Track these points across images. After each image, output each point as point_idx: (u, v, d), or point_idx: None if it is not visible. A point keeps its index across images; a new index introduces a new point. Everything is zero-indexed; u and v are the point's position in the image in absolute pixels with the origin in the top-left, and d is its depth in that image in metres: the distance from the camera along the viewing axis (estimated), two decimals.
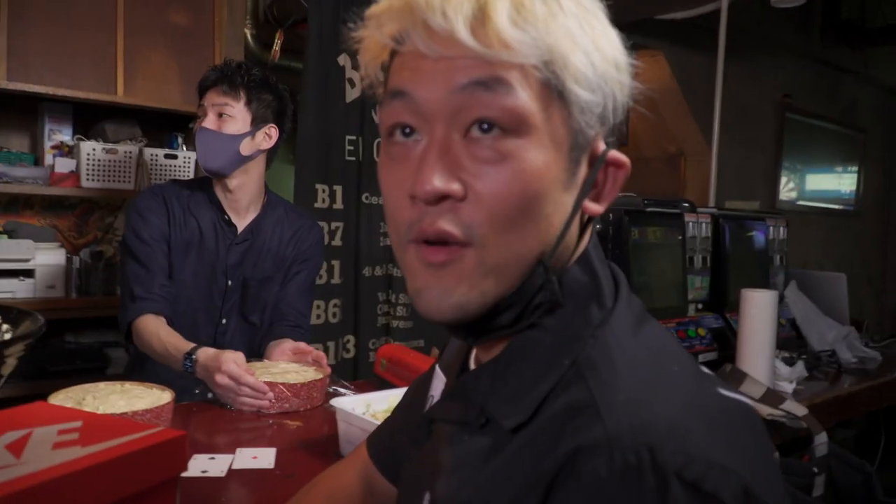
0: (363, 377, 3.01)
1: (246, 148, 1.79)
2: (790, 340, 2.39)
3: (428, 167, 0.56)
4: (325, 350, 3.01)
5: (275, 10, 3.55)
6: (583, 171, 0.61)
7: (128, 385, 1.41)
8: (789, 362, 2.05)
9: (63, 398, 1.32)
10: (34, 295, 2.47)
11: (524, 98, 0.56)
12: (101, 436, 0.87)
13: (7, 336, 1.20)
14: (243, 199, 1.86)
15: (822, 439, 1.59)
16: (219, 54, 2.69)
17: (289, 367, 1.67)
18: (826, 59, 5.17)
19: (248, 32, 3.36)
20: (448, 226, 0.57)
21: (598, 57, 0.58)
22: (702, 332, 2.16)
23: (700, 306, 2.28)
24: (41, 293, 2.50)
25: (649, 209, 2.08)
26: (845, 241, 5.76)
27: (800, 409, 1.65)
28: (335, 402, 1.27)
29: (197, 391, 1.72)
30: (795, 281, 2.59)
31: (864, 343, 2.52)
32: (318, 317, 2.98)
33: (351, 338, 3.09)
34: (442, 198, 0.57)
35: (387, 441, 0.93)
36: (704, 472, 0.49)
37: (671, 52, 4.17)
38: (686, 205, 2.27)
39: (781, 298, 2.55)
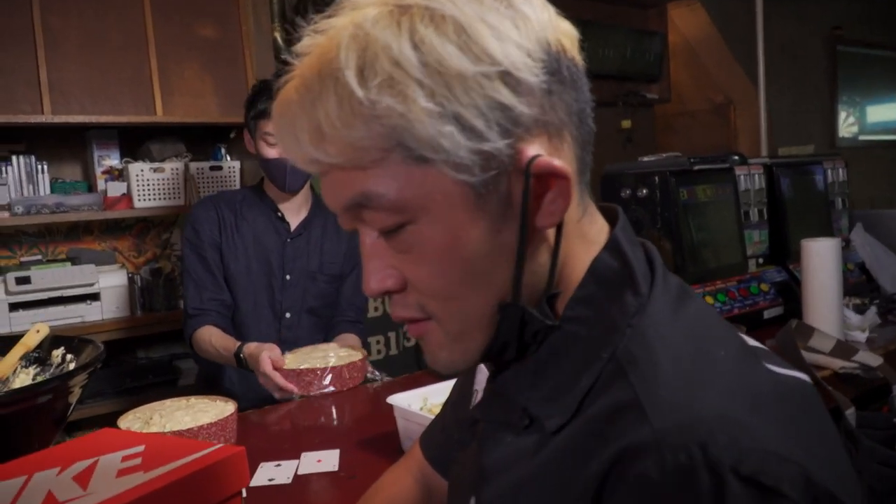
0: (424, 365, 3.04)
1: None
2: (861, 285, 2.29)
3: (365, 272, 0.60)
4: (386, 341, 3.04)
5: (301, 8, 3.56)
6: (516, 192, 0.56)
7: (193, 400, 1.45)
8: (860, 309, 1.97)
9: (132, 419, 1.36)
10: (101, 317, 2.56)
11: (397, 192, 0.54)
12: (163, 459, 0.89)
13: (71, 366, 1.25)
14: (298, 199, 1.96)
15: None
16: (250, 62, 2.72)
17: (329, 351, 1.76)
18: None
19: (278, 36, 3.38)
20: (404, 312, 0.61)
21: (457, 94, 0.52)
22: (765, 287, 2.09)
23: (761, 261, 2.21)
24: (108, 314, 2.59)
25: (696, 167, 2.02)
26: None
27: (874, 360, 1.59)
28: (392, 399, 1.28)
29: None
30: (861, 223, 2.48)
31: None
32: (376, 309, 3.01)
33: None
34: (387, 292, 0.60)
35: (439, 439, 0.92)
36: (761, 464, 0.47)
37: None
38: (736, 157, 2.19)
39: (847, 242, 2.45)
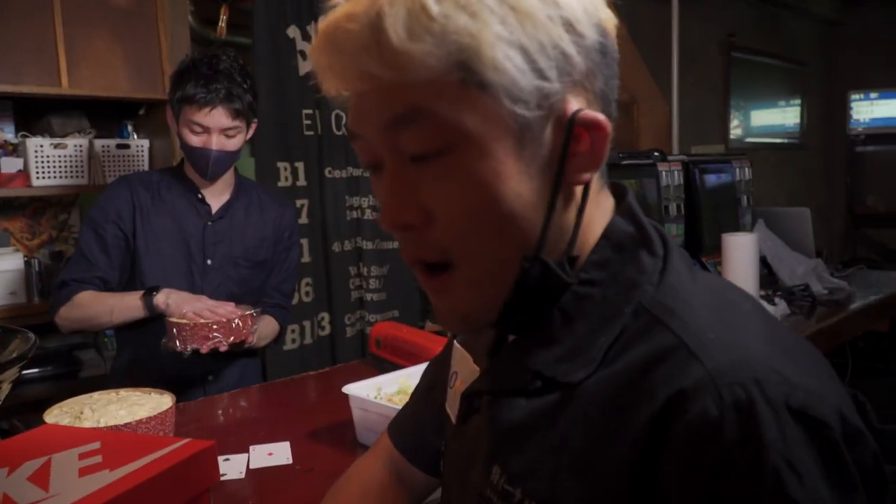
0: (341, 353, 2.99)
1: (241, 149, 1.84)
2: (763, 278, 2.44)
3: (386, 204, 0.58)
4: (301, 329, 2.97)
5: None
6: (552, 144, 0.57)
7: (123, 392, 1.36)
8: (769, 300, 2.09)
9: (59, 414, 1.27)
10: None
11: (447, 115, 0.54)
12: (126, 456, 0.84)
13: None
14: (220, 182, 1.88)
15: None
16: (164, 36, 2.57)
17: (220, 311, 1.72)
18: None
19: (189, 13, 3.22)
20: (420, 251, 0.59)
21: (527, 30, 0.53)
22: None
23: None
24: (2, 300, 2.39)
25: (624, 162, 2.08)
26: (794, 173, 5.91)
27: None
28: (347, 388, 1.25)
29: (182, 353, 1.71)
30: (762, 219, 2.64)
31: (830, 273, 2.60)
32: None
33: (325, 315, 3.06)
34: (408, 227, 0.58)
35: (411, 429, 0.91)
36: (807, 399, 0.49)
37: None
38: (657, 154, 2.27)
39: None
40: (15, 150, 2.51)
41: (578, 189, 0.59)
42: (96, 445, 0.88)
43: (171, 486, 0.81)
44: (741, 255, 1.86)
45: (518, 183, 0.56)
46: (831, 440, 0.49)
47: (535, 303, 0.60)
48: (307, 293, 2.94)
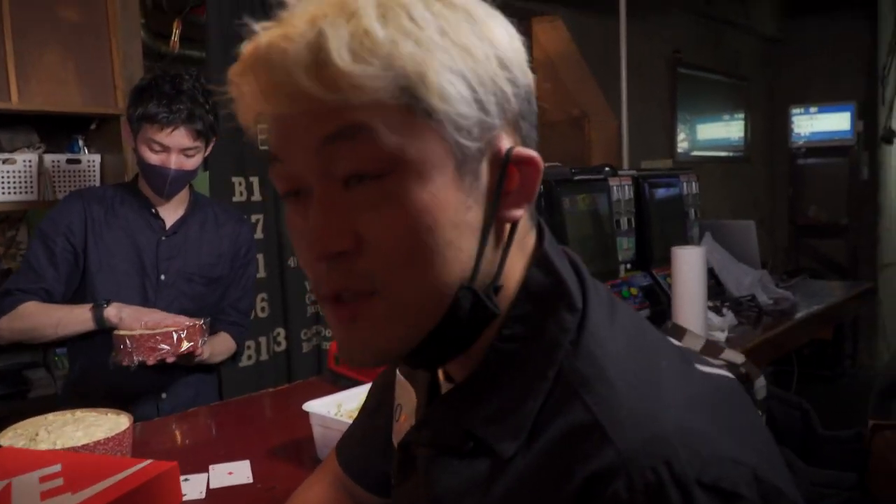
0: (297, 369, 2.98)
1: (199, 169, 1.83)
2: (711, 289, 2.50)
3: (315, 230, 0.55)
4: (257, 345, 2.95)
5: None
6: (486, 179, 0.57)
7: (79, 413, 1.35)
8: (717, 311, 2.16)
9: (13, 436, 1.25)
10: None
11: (388, 136, 0.53)
12: (88, 478, 0.84)
13: None
14: (175, 198, 1.87)
15: (760, 383, 1.69)
16: (116, 50, 2.54)
17: (166, 325, 1.70)
18: (710, 13, 5.38)
19: (141, 26, 3.19)
20: (347, 281, 0.56)
21: (468, 63, 0.54)
22: (634, 291, 2.25)
23: (629, 266, 2.37)
24: None
25: (577, 177, 2.13)
26: (739, 186, 6.08)
27: (738, 357, 1.75)
28: (308, 406, 1.26)
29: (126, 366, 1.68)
30: (710, 232, 2.73)
31: (776, 284, 2.70)
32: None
33: (281, 330, 3.04)
34: (338, 254, 0.55)
35: (357, 450, 0.91)
36: (720, 471, 0.50)
37: (568, 15, 4.24)
38: (608, 169, 2.33)
39: None
40: None
41: (507, 226, 0.59)
42: (57, 468, 0.87)
43: None
44: (689, 268, 1.92)
45: (455, 213, 0.55)
46: None
47: (458, 335, 0.59)
48: (263, 308, 2.92)
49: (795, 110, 5.95)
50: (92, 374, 1.77)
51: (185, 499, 1.12)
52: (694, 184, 2.74)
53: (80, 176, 2.58)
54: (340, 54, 0.50)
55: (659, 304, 2.25)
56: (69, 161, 2.57)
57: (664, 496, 0.48)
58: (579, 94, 4.52)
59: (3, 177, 2.42)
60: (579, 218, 2.13)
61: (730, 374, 0.64)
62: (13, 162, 2.43)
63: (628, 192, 2.36)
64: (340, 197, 0.55)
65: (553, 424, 0.55)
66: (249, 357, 2.97)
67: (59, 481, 0.84)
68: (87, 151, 2.69)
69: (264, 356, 3.01)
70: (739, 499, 0.49)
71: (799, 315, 2.42)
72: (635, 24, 4.28)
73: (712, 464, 0.50)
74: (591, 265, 2.10)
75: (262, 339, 2.97)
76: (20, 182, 2.46)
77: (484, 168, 0.57)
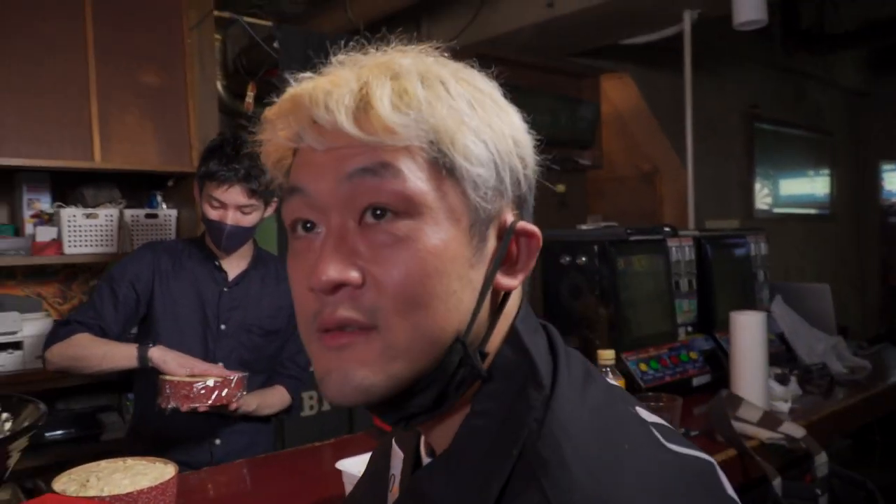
0: (359, 419, 3.01)
1: (257, 226, 1.91)
2: (780, 355, 2.41)
3: (324, 259, 0.57)
4: (319, 397, 3.00)
5: (244, 61, 3.58)
6: (491, 245, 0.61)
7: (130, 461, 1.40)
8: (781, 379, 2.07)
9: (66, 481, 1.30)
10: (24, 367, 2.45)
11: (413, 180, 0.57)
12: None
13: (7, 425, 1.20)
14: (238, 253, 1.96)
15: (822, 459, 1.61)
16: (193, 111, 2.70)
17: (207, 375, 1.75)
18: (789, 66, 5.28)
19: (218, 84, 3.38)
20: (348, 313, 0.57)
21: (489, 134, 0.59)
22: (693, 355, 2.18)
23: (690, 329, 2.31)
24: (30, 364, 2.47)
25: (633, 238, 2.11)
26: (823, 244, 5.85)
27: (798, 431, 1.67)
28: (341, 464, 1.27)
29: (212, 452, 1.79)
30: (780, 295, 2.63)
31: (853, 351, 2.56)
32: (310, 364, 2.97)
33: None
34: (339, 286, 0.57)
35: None
36: None
37: (637, 72, 4.24)
38: (667, 229, 2.30)
39: (768, 313, 2.59)
40: (50, 219, 2.63)
41: (500, 294, 0.63)
42: None
43: None
44: (749, 333, 1.86)
45: (462, 266, 0.59)
46: None
47: (444, 387, 0.60)
48: None
49: (886, 166, 5.72)
50: (149, 418, 1.84)
51: None
52: (762, 244, 2.66)
53: (157, 229, 2.72)
54: (382, 102, 0.56)
55: (720, 369, 2.17)
56: (147, 216, 2.72)
57: None
58: (650, 149, 4.49)
59: (86, 230, 2.58)
60: (634, 279, 2.10)
61: (707, 458, 0.64)
62: (96, 217, 2.59)
63: (689, 253, 2.31)
64: (356, 231, 0.58)
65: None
66: (311, 407, 3.02)
67: None
68: (164, 206, 2.84)
69: (326, 407, 3.06)
70: None
71: (876, 388, 2.28)
72: (708, 78, 4.25)
73: None
74: (646, 327, 2.07)
75: None
76: (102, 235, 2.61)
77: (491, 234, 0.61)
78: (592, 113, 4.08)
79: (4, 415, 1.21)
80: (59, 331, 1.83)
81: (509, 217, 0.62)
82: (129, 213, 2.68)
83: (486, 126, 0.59)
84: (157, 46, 2.66)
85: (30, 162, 2.40)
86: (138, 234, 2.68)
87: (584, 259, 2.08)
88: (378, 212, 0.57)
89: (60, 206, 2.60)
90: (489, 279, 0.61)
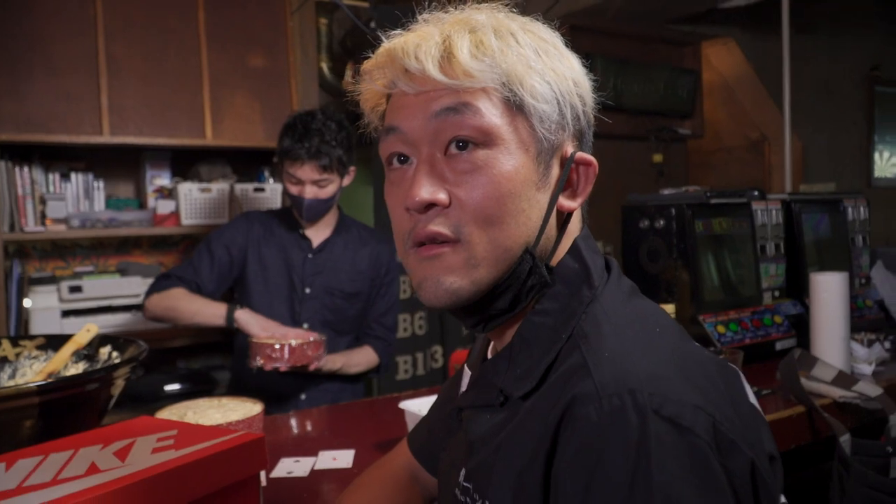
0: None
1: (335, 196, 2.03)
2: (878, 322, 2.33)
3: (417, 183, 0.70)
4: (414, 360, 3.14)
5: (349, 43, 3.75)
6: (555, 172, 0.72)
7: (224, 400, 1.57)
8: (868, 343, 2.01)
9: (167, 414, 1.49)
10: (146, 326, 2.72)
11: (489, 116, 0.68)
12: (193, 441, 1.01)
13: (116, 361, 1.38)
14: (321, 222, 2.11)
15: None
16: (296, 91, 2.89)
17: (289, 336, 1.88)
18: None
19: (324, 66, 3.56)
20: (437, 227, 0.69)
21: (552, 76, 0.70)
22: (778, 319, 2.15)
23: (777, 293, 2.26)
24: (152, 324, 2.74)
25: (713, 201, 2.10)
26: None
27: (874, 390, 1.63)
28: (403, 404, 1.38)
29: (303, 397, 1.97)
30: (882, 260, 2.52)
31: None
32: (405, 329, 3.12)
33: (438, 348, 3.21)
34: (430, 206, 0.69)
35: (424, 437, 1.03)
36: (679, 410, 0.59)
37: (742, 37, 4.10)
38: (756, 193, 2.26)
39: (867, 280, 2.49)
40: (169, 193, 2.89)
41: (563, 215, 0.74)
42: (174, 433, 1.07)
43: (222, 467, 0.98)
44: (828, 295, 1.82)
45: (531, 189, 0.70)
46: (696, 445, 0.58)
47: (518, 292, 0.72)
48: (420, 326, 3.10)
49: None
50: (244, 375, 2.02)
51: (291, 475, 1.28)
52: (862, 209, 2.55)
53: (264, 202, 2.94)
54: (462, 51, 0.68)
55: (807, 334, 2.12)
56: (255, 189, 2.94)
57: (624, 419, 0.59)
58: (758, 117, 4.33)
59: (201, 203, 2.82)
60: (714, 242, 2.09)
61: (736, 367, 0.74)
62: (209, 191, 2.83)
63: (777, 217, 2.26)
64: (442, 161, 0.70)
65: (557, 370, 0.67)
66: (406, 371, 3.17)
67: (171, 441, 1.02)
68: (271, 181, 3.06)
69: (420, 371, 3.20)
70: (693, 435, 0.58)
71: None
72: (821, 40, 4.05)
73: (673, 403, 0.59)
74: (728, 291, 2.06)
75: (420, 355, 3.15)
76: (215, 207, 2.85)
77: (555, 162, 0.72)
78: (692, 81, 3.98)
79: (114, 353, 1.39)
80: (160, 283, 2.03)
81: (570, 148, 0.73)
82: (238, 187, 2.91)
83: (550, 70, 0.70)
84: (262, 31, 2.86)
85: (151, 140, 2.66)
86: (248, 207, 2.90)
87: (661, 223, 2.09)
88: (460, 143, 0.69)
89: (178, 182, 2.86)
90: (553, 201, 0.72)
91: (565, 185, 0.73)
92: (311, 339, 1.85)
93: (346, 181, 2.05)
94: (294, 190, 1.97)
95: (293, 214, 2.11)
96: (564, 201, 0.73)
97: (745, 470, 0.60)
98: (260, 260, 2.06)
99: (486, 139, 0.68)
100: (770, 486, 0.63)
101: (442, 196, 0.69)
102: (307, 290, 2.06)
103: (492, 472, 0.69)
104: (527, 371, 0.70)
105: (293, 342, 1.79)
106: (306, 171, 1.93)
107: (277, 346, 1.78)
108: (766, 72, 4.12)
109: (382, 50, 0.72)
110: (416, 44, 0.69)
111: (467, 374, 0.89)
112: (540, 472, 0.63)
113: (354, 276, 2.10)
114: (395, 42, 0.71)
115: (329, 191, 1.99)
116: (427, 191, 0.69)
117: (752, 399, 0.72)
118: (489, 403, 0.74)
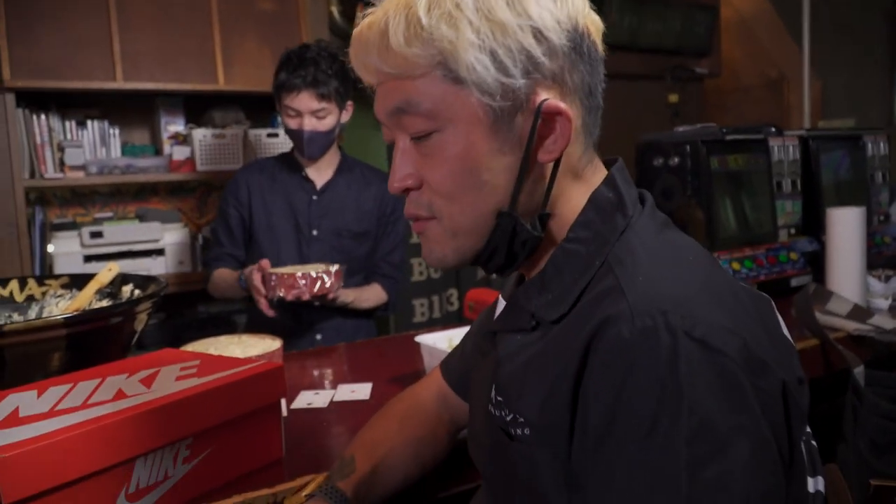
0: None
1: (335, 129, 2.01)
2: (891, 258, 2.32)
3: (392, 171, 0.76)
4: (430, 303, 3.18)
5: None
6: (524, 127, 0.71)
7: (244, 337, 1.60)
8: (885, 279, 2.01)
9: (192, 349, 1.52)
10: (166, 270, 2.77)
11: (434, 103, 0.70)
12: (215, 370, 1.04)
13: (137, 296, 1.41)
14: (323, 162, 2.11)
15: None
16: (305, 35, 2.86)
17: (309, 268, 1.89)
18: None
19: (334, 10, 3.52)
20: (415, 209, 0.76)
21: (496, 36, 0.67)
22: (794, 256, 2.14)
23: (793, 231, 2.25)
24: (172, 269, 2.79)
25: (728, 137, 2.08)
26: None
27: (890, 323, 1.64)
28: (419, 338, 1.41)
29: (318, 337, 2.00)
30: None
31: None
32: (421, 273, 3.14)
33: (454, 291, 3.24)
34: (407, 189, 0.76)
35: (458, 364, 1.05)
36: (710, 331, 0.60)
37: None
38: (773, 129, 2.23)
39: (886, 217, 2.47)
40: (184, 139, 2.90)
41: (549, 166, 0.74)
42: (196, 363, 1.10)
43: (243, 393, 1.01)
44: (844, 229, 1.81)
45: (489, 158, 0.71)
46: (726, 365, 0.59)
47: (508, 249, 0.75)
48: (435, 270, 3.13)
49: None
50: (261, 318, 2.04)
51: (311, 406, 1.32)
52: (882, 144, 2.51)
53: (278, 147, 2.94)
54: (396, 37, 0.69)
55: (823, 270, 2.12)
56: (269, 135, 2.94)
57: (656, 339, 0.60)
58: (776, 55, 4.24)
59: (215, 149, 2.83)
60: (729, 179, 2.07)
61: (767, 296, 0.75)
62: (223, 136, 2.84)
63: (794, 153, 2.24)
64: (411, 147, 0.75)
65: (590, 293, 0.69)
66: (423, 314, 3.21)
67: (194, 370, 1.05)
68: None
69: (437, 314, 3.24)
70: (723, 356, 0.60)
71: None
72: None
73: (704, 324, 0.61)
74: (743, 228, 2.06)
75: (435, 298, 3.19)
76: (229, 153, 2.86)
77: (519, 120, 0.71)
78: (710, 18, 3.90)
79: (136, 291, 1.42)
80: (209, 274, 2.13)
81: (541, 97, 0.70)
82: (252, 132, 2.91)
83: (493, 30, 0.68)
84: None
85: (163, 86, 2.66)
86: (261, 152, 2.91)
87: (676, 160, 2.08)
88: (417, 137, 0.73)
89: (192, 128, 2.86)
90: (525, 158, 0.72)
91: (538, 135, 0.71)
92: (333, 268, 1.86)
93: (345, 117, 2.03)
94: (293, 123, 1.97)
95: (294, 157, 2.11)
96: (541, 154, 0.72)
97: (777, 390, 0.62)
98: (265, 206, 2.08)
99: (437, 125, 0.71)
100: (801, 406, 0.64)
101: (411, 182, 0.75)
102: (314, 233, 2.07)
103: (523, 387, 0.71)
104: (559, 296, 0.72)
105: (313, 272, 1.81)
106: (304, 101, 1.92)
107: (300, 275, 1.80)
108: (785, 8, 4.02)
109: (353, 39, 0.74)
110: (366, 34, 0.71)
111: (501, 303, 0.91)
112: (569, 389, 0.65)
113: (360, 215, 2.11)
114: (356, 30, 0.73)
115: (328, 122, 1.97)
116: (398, 178, 0.75)
117: (784, 329, 0.74)
118: (521, 328, 0.76)
